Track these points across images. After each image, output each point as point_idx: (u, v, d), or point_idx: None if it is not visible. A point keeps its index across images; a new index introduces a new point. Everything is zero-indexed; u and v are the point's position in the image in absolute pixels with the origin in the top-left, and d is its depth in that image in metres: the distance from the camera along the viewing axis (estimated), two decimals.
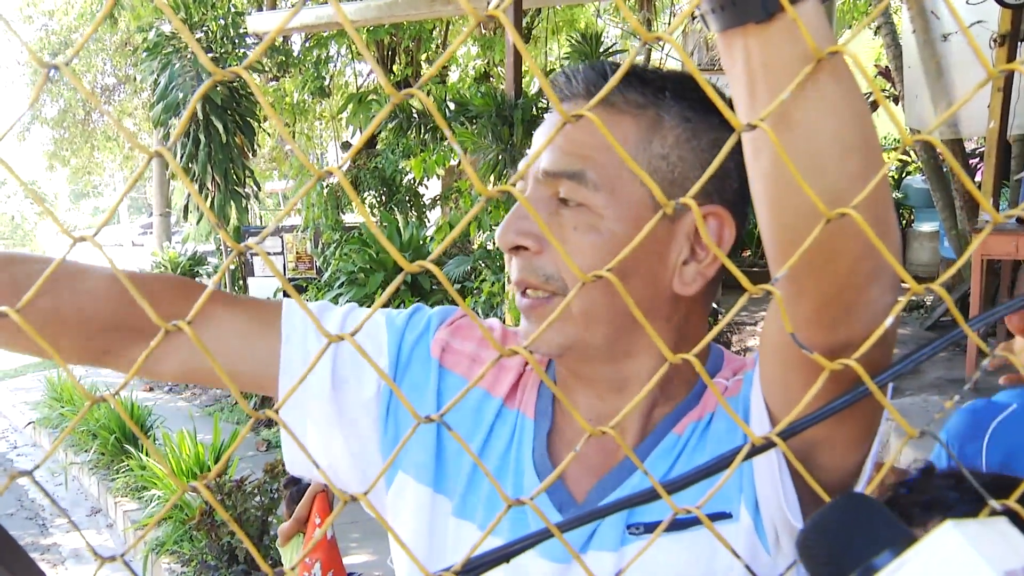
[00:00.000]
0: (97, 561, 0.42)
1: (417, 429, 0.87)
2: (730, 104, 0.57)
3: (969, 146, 7.29)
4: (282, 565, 3.26)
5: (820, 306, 0.58)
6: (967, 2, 5.12)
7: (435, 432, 0.88)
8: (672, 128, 0.76)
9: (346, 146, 10.00)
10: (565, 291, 0.76)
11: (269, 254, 8.59)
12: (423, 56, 9.42)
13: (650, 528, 0.78)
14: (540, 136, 0.82)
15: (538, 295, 0.78)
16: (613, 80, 0.37)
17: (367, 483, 0.89)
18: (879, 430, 0.72)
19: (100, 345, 0.82)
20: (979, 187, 5.33)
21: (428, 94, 9.11)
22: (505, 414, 0.88)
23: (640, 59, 9.14)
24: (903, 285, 0.42)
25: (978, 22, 5.15)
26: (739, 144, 0.80)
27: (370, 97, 8.82)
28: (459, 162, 7.67)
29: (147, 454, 5.30)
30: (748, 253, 9.09)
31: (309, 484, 3.51)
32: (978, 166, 6.78)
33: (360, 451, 0.87)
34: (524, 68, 5.59)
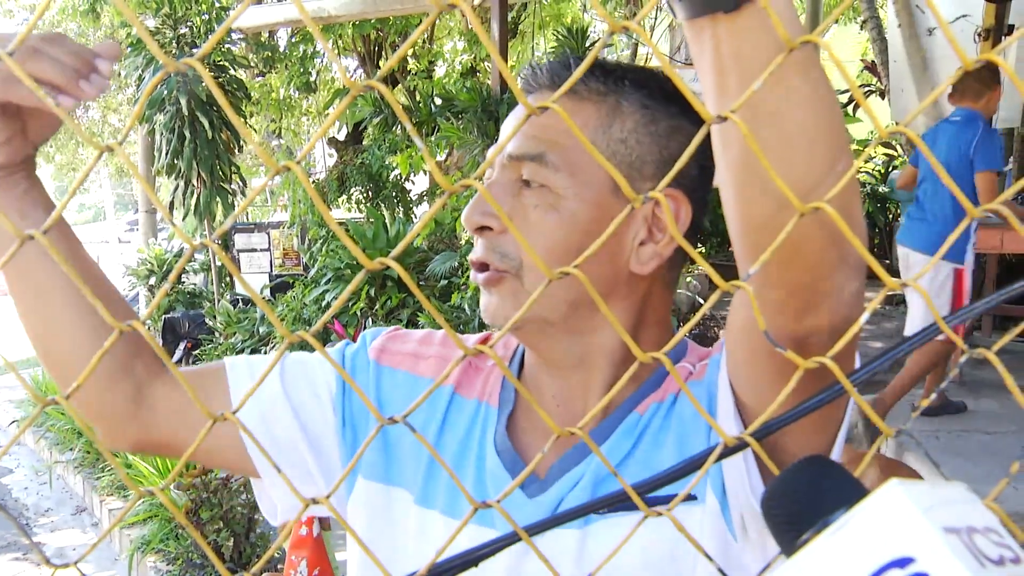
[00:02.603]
0: (51, 569, 0.41)
1: (364, 429, 0.88)
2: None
3: None
4: (279, 565, 3.23)
5: (787, 295, 0.58)
6: None
7: (381, 431, 0.89)
8: (631, 114, 0.80)
9: (333, 142, 9.95)
10: (520, 270, 0.79)
11: (255, 251, 8.59)
12: (409, 50, 9.39)
13: (615, 507, 0.78)
14: (507, 126, 0.87)
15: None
16: (579, 71, 0.36)
17: (338, 495, 0.91)
18: (847, 415, 0.72)
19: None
20: None
21: (414, 90, 9.08)
22: (459, 402, 0.90)
23: (627, 53, 9.13)
24: (877, 275, 0.41)
25: (963, 16, 5.17)
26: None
27: None
28: (445, 157, 7.65)
29: (130, 465, 5.26)
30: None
31: None
32: None
33: (327, 467, 0.89)
34: (511, 63, 5.58)
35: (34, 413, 0.38)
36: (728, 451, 0.41)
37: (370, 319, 5.59)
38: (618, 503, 0.43)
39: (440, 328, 0.97)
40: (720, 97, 0.52)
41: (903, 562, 0.30)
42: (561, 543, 0.78)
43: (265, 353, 3.64)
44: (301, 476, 0.88)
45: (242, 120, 0.38)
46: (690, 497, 0.77)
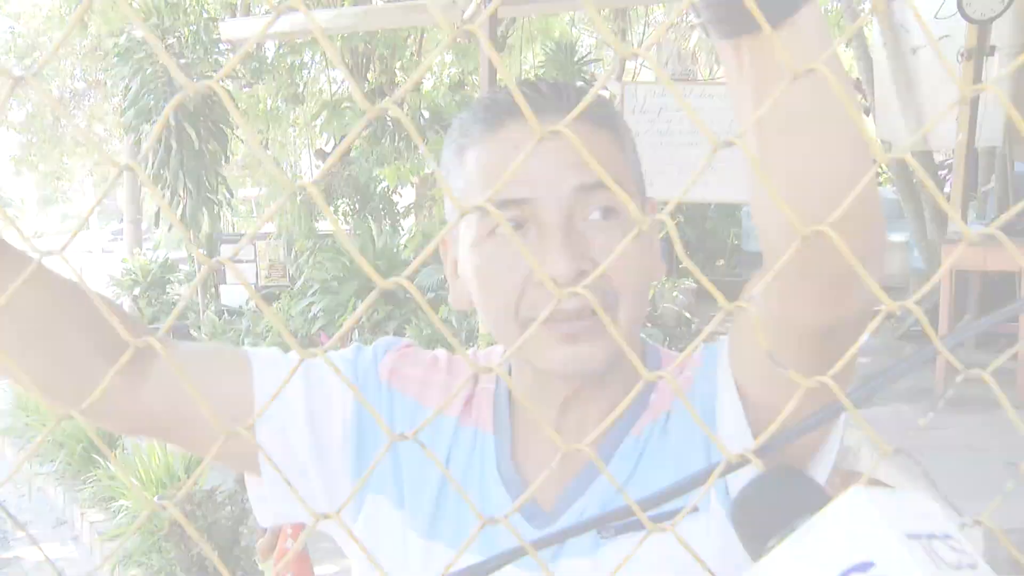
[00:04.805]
0: None
1: (373, 449, 0.87)
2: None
3: (937, 158, 7.39)
4: None
5: (826, 286, 0.60)
6: (935, 16, 5.20)
7: (393, 454, 0.87)
8: (624, 135, 0.83)
9: (320, 153, 9.94)
10: (616, 307, 0.76)
11: (240, 261, 8.56)
12: (397, 64, 9.39)
13: (620, 529, 0.79)
14: (496, 160, 0.79)
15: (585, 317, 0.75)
16: (586, 99, 0.37)
17: (347, 511, 0.88)
18: (839, 428, 0.74)
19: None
20: (947, 198, 5.40)
21: (403, 104, 9.08)
22: (461, 432, 0.88)
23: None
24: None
25: (945, 36, 5.23)
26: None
27: (344, 104, 8.78)
28: (433, 170, 7.65)
29: (112, 477, 5.22)
30: (722, 262, 9.15)
31: None
32: (947, 177, 6.87)
33: (332, 483, 0.87)
34: (499, 77, 5.59)
35: (50, 426, 0.39)
36: (731, 468, 0.41)
37: (356, 331, 5.58)
38: (622, 519, 0.43)
39: (443, 346, 0.97)
40: (758, 111, 0.54)
41: (864, 566, 0.31)
42: (573, 572, 0.78)
43: None
44: (301, 481, 0.86)
45: (260, 135, 0.39)
46: (694, 510, 0.77)
